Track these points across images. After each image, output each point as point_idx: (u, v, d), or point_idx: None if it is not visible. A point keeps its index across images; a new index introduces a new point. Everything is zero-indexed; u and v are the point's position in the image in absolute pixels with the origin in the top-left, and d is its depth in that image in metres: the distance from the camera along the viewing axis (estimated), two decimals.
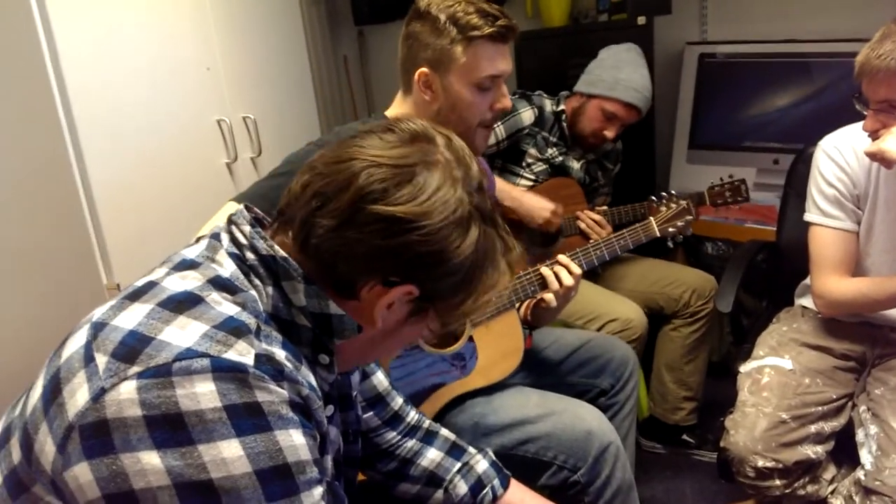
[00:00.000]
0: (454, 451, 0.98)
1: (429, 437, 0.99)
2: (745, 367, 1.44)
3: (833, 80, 2.31)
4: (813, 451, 1.29)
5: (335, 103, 3.01)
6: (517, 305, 1.35)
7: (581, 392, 1.43)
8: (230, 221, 0.70)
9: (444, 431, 1.01)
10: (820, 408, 1.32)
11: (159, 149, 1.56)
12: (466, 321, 0.81)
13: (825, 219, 1.39)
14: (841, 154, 1.37)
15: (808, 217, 1.42)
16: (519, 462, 1.16)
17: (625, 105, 1.86)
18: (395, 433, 0.97)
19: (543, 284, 1.30)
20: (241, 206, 0.72)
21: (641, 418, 2.05)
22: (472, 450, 0.99)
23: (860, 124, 1.27)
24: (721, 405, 1.44)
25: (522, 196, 1.79)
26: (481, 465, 0.97)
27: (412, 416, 0.99)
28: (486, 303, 0.72)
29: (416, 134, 0.68)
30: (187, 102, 1.67)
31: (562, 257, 1.31)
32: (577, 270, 1.29)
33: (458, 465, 0.96)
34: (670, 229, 1.48)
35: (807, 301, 1.52)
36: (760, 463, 1.26)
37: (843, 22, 2.35)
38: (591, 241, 1.83)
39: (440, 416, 1.23)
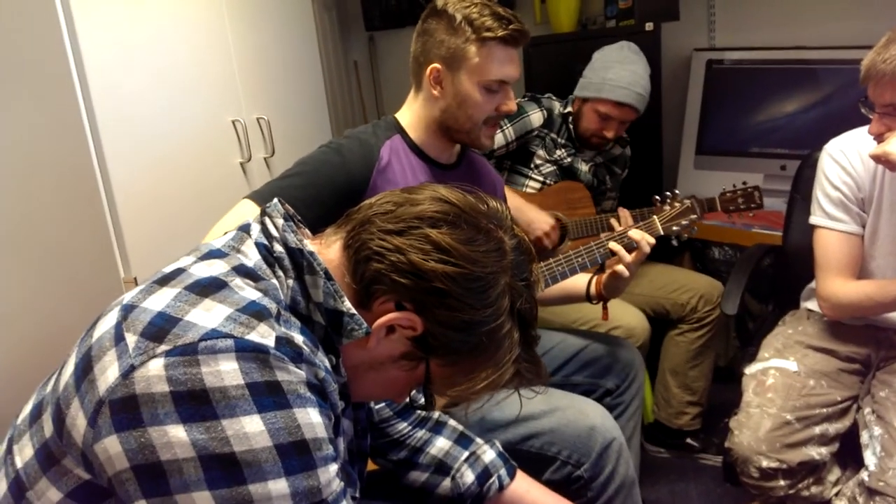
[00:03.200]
0: (462, 440, 1.00)
1: (438, 427, 1.01)
2: (750, 369, 1.45)
3: (840, 87, 2.33)
4: (817, 452, 1.30)
5: (345, 106, 3.04)
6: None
7: (586, 392, 1.44)
8: (264, 213, 0.73)
9: (453, 422, 1.03)
10: (824, 409, 1.33)
11: (177, 147, 1.60)
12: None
13: (830, 222, 1.40)
14: (846, 157, 1.39)
15: (813, 220, 1.43)
16: (524, 457, 1.18)
17: (615, 104, 1.87)
18: (405, 423, 0.99)
19: (606, 257, 1.39)
20: (276, 200, 0.74)
21: (646, 423, 2.06)
22: (479, 440, 1.01)
23: (865, 128, 1.28)
24: (727, 409, 1.45)
25: (523, 206, 1.80)
26: (488, 454, 0.99)
27: None
28: (472, 393, 0.71)
29: (498, 215, 0.72)
30: (204, 103, 1.71)
31: (634, 232, 1.36)
32: (651, 240, 1.36)
33: (466, 454, 0.98)
34: (674, 228, 1.49)
35: (812, 304, 1.53)
36: (765, 463, 1.27)
37: (851, 29, 2.37)
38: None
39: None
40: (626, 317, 1.79)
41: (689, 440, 2.04)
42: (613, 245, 1.36)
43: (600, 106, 1.89)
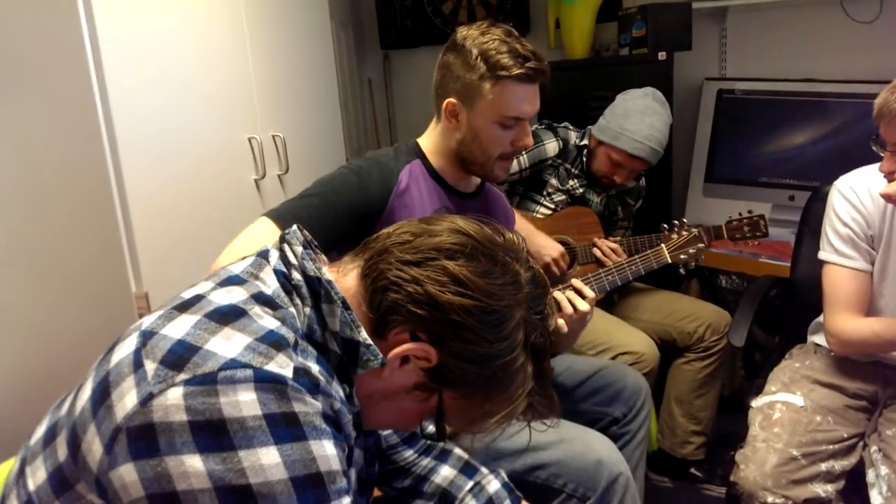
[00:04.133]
0: (467, 469, 1.00)
1: (443, 455, 1.01)
2: (756, 402, 1.45)
3: (850, 120, 2.34)
4: (823, 489, 1.29)
5: (358, 124, 3.07)
6: None
7: (593, 420, 1.44)
8: (283, 240, 0.73)
9: (458, 450, 1.03)
10: (831, 446, 1.33)
11: (193, 163, 1.61)
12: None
13: (839, 258, 1.40)
14: (856, 194, 1.40)
15: (822, 255, 1.44)
16: (529, 488, 1.17)
17: (628, 155, 1.88)
18: (411, 451, 0.99)
19: (557, 309, 1.28)
20: (295, 227, 0.75)
21: (650, 451, 2.05)
22: (484, 469, 1.01)
23: (876, 165, 1.29)
24: (732, 440, 1.45)
25: (533, 234, 1.80)
26: (493, 485, 0.98)
27: None
28: (485, 425, 0.72)
29: (514, 248, 0.73)
30: (221, 120, 1.72)
31: (575, 281, 1.30)
32: (591, 294, 1.28)
33: (471, 483, 0.98)
34: (682, 256, 1.49)
35: (819, 339, 1.53)
36: (770, 499, 1.27)
37: (862, 62, 2.39)
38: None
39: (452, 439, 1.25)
40: (635, 342, 1.79)
41: (692, 470, 2.03)
42: (557, 294, 1.26)
43: (613, 153, 1.90)
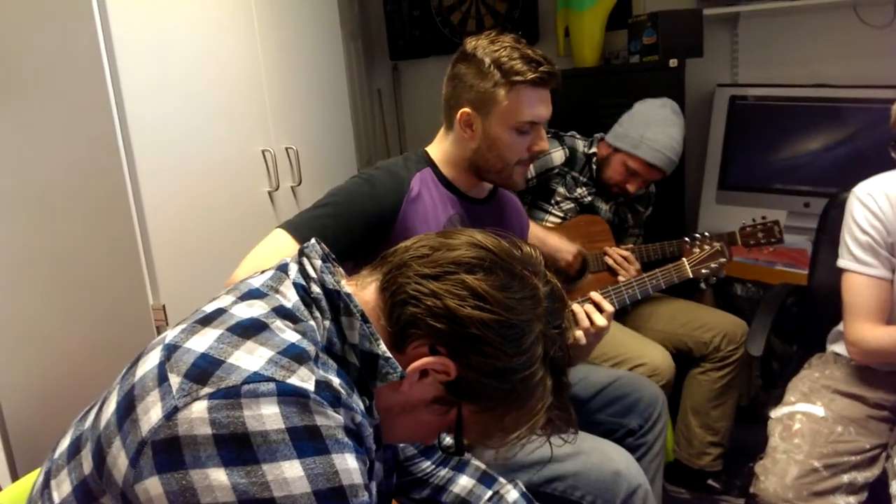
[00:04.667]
0: (485, 479, 0.99)
1: (461, 466, 1.01)
2: (775, 413, 1.43)
3: (865, 126, 2.33)
4: (845, 501, 1.27)
5: (368, 134, 3.08)
6: None
7: (609, 431, 1.43)
8: (302, 253, 0.74)
9: (476, 461, 1.02)
10: (853, 457, 1.31)
11: (209, 176, 1.62)
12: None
13: (859, 266, 1.39)
14: (875, 201, 1.38)
15: (841, 263, 1.42)
16: (547, 499, 1.17)
17: (647, 164, 1.87)
18: (429, 462, 0.99)
19: (574, 321, 1.28)
20: (314, 241, 0.75)
21: (666, 462, 2.03)
22: (502, 480, 1.00)
23: (894, 172, 1.28)
24: (749, 450, 1.43)
25: (547, 236, 1.80)
26: (511, 494, 0.98)
27: None
28: (504, 440, 0.72)
29: (532, 262, 0.73)
30: (236, 133, 1.74)
31: (594, 294, 1.30)
32: (610, 308, 1.28)
33: (489, 493, 0.97)
34: (703, 271, 1.49)
35: (839, 347, 1.51)
36: None
37: (876, 67, 2.37)
38: (620, 277, 1.85)
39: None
40: (651, 354, 1.78)
41: (710, 481, 2.01)
42: (575, 307, 1.26)
43: (631, 161, 1.89)
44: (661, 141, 1.86)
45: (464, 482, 0.98)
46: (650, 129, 1.87)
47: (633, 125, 1.92)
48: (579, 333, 1.26)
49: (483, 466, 1.01)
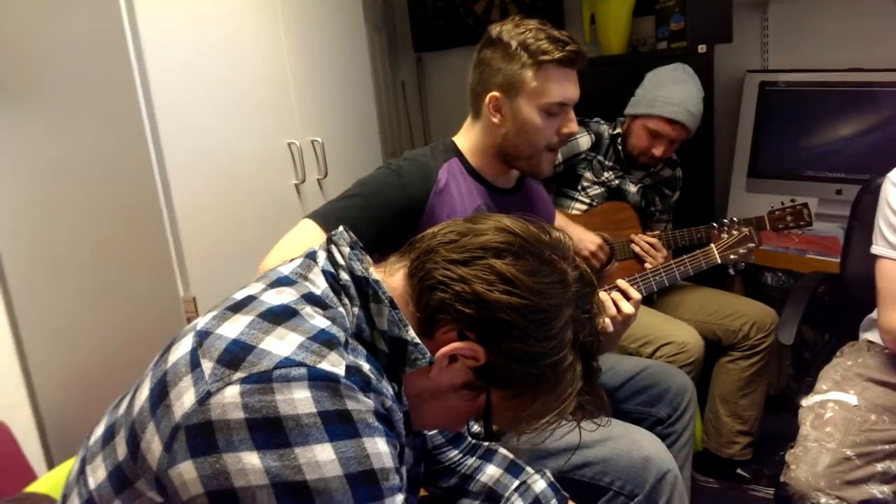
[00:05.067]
0: (513, 468, 1.00)
1: (488, 455, 1.01)
2: (807, 401, 1.41)
3: None
4: (879, 490, 1.25)
5: (393, 128, 3.09)
6: None
7: (637, 420, 1.42)
8: (330, 241, 0.74)
9: (503, 450, 1.03)
10: (887, 446, 1.28)
11: (237, 169, 1.65)
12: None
13: (893, 252, 1.36)
14: None
15: (875, 250, 1.40)
16: (575, 486, 1.16)
17: (666, 121, 1.85)
18: (457, 451, 0.99)
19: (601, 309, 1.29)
20: (341, 228, 0.76)
21: (695, 451, 2.01)
22: (530, 469, 1.01)
23: None
24: (779, 439, 1.41)
25: (569, 226, 1.79)
26: (539, 484, 0.98)
27: None
28: (534, 426, 0.72)
29: (561, 246, 0.73)
30: (263, 127, 1.76)
31: (620, 282, 1.29)
32: (637, 296, 1.27)
33: (517, 482, 0.98)
34: (731, 256, 1.47)
35: (873, 335, 1.48)
36: (823, 500, 1.23)
37: None
38: (647, 264, 1.84)
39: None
40: (678, 332, 1.76)
41: (739, 471, 1.99)
42: (602, 295, 1.25)
43: (651, 123, 1.87)
44: (676, 96, 1.84)
45: (491, 471, 0.99)
46: (663, 89, 1.86)
47: (645, 89, 1.92)
48: (606, 321, 1.25)
49: (511, 456, 1.02)
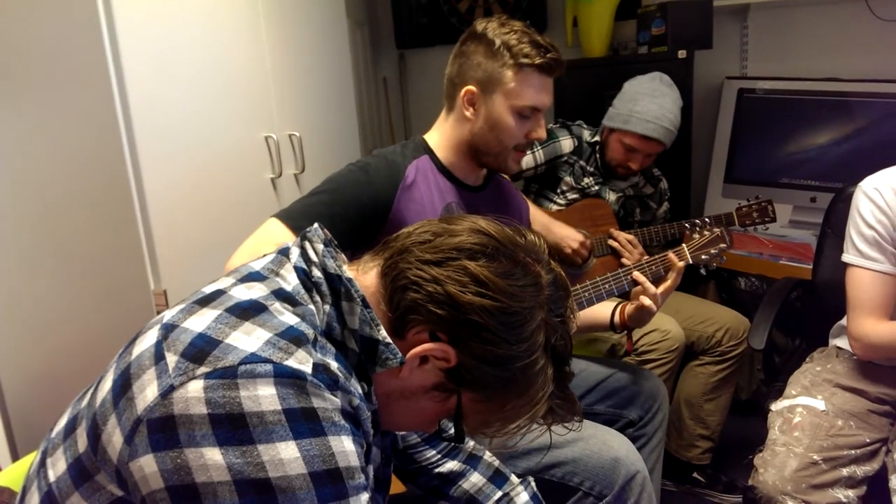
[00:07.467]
0: (496, 478, 0.99)
1: (472, 461, 1.00)
2: (776, 406, 1.43)
3: (875, 121, 2.31)
4: (844, 494, 1.27)
5: (373, 123, 3.08)
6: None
7: (608, 422, 1.42)
8: (304, 237, 0.73)
9: (488, 456, 1.01)
10: (853, 451, 1.30)
11: (212, 162, 1.62)
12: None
13: (864, 260, 1.38)
14: (881, 196, 1.37)
15: (846, 258, 1.42)
16: (545, 486, 1.16)
17: (640, 137, 1.85)
18: (434, 452, 0.98)
19: (633, 284, 1.37)
20: (316, 225, 0.75)
21: None
22: (514, 479, 0.99)
23: None
24: (747, 444, 1.42)
25: (552, 223, 1.80)
26: (521, 497, 0.97)
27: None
28: (504, 429, 0.71)
29: (536, 249, 0.72)
30: (239, 119, 1.73)
31: (638, 275, 1.37)
32: (680, 264, 1.37)
33: (499, 493, 0.97)
34: (703, 256, 1.48)
35: (842, 342, 1.51)
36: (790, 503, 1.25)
37: (887, 61, 2.35)
38: (624, 259, 1.85)
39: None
40: (661, 321, 1.78)
41: (695, 474, 2.00)
42: (638, 275, 1.36)
43: (626, 138, 1.88)
44: (651, 112, 1.84)
45: (474, 479, 0.98)
46: (639, 103, 1.86)
47: (622, 102, 1.91)
48: (648, 301, 1.33)
49: (496, 464, 1.00)
